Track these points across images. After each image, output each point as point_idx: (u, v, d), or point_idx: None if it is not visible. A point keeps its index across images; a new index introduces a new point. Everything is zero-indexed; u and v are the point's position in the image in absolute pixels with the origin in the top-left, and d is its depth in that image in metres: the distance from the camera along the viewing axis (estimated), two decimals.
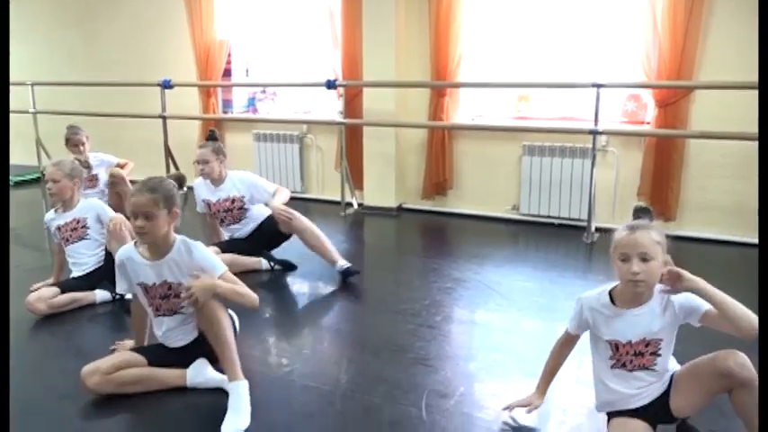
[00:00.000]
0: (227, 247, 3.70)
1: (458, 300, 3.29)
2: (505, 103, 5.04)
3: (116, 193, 4.61)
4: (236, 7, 5.87)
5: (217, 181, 3.74)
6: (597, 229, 4.32)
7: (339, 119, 5.16)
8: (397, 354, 2.61)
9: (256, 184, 3.75)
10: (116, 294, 3.11)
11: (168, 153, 5.89)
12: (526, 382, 2.21)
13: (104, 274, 3.18)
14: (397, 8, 4.93)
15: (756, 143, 3.65)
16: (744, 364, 1.68)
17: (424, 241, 4.84)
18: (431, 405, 2.19)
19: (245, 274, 3.62)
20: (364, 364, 2.57)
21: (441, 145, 5.00)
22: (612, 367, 1.87)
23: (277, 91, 6.09)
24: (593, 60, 4.61)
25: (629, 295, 1.82)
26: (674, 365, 1.89)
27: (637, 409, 1.85)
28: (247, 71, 6.29)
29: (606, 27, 4.56)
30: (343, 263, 3.57)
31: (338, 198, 5.22)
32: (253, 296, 2.29)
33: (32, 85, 6.55)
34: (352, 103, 5.23)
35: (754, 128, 3.61)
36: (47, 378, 2.49)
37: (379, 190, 5.24)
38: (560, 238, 4.41)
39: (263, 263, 3.74)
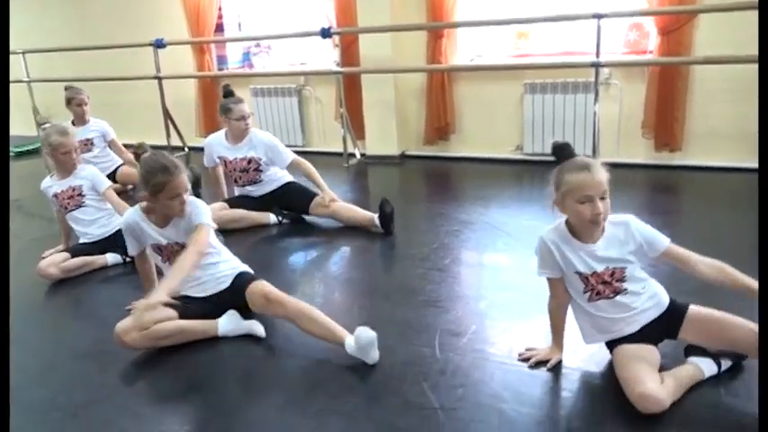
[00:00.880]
0: (237, 202, 3.71)
1: (465, 242, 3.31)
2: (504, 41, 4.93)
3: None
4: None
5: (238, 138, 3.65)
6: (603, 164, 4.29)
7: (336, 68, 5.07)
8: (408, 297, 2.64)
9: (276, 148, 3.68)
10: (126, 257, 3.14)
11: (166, 114, 5.85)
12: (536, 318, 2.24)
13: (114, 242, 3.18)
14: None
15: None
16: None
17: (429, 187, 4.83)
18: (444, 344, 2.23)
19: (253, 229, 3.67)
20: (376, 308, 2.61)
21: (440, 89, 4.93)
22: (590, 300, 1.91)
23: (272, 44, 5.97)
24: None
25: (586, 232, 1.86)
26: (658, 288, 1.94)
27: (633, 334, 1.88)
28: (240, 25, 6.17)
29: None
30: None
31: (340, 150, 5.19)
32: (195, 262, 2.27)
33: (24, 53, 6.45)
34: (349, 52, 5.13)
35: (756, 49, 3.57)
36: (64, 339, 2.55)
37: (381, 138, 5.21)
38: None
39: (272, 217, 3.75)
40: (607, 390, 1.90)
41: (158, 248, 2.43)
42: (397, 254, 3.18)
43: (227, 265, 2.47)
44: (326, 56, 5.42)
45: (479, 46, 5.02)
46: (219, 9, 5.87)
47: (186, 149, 6.05)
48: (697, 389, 1.83)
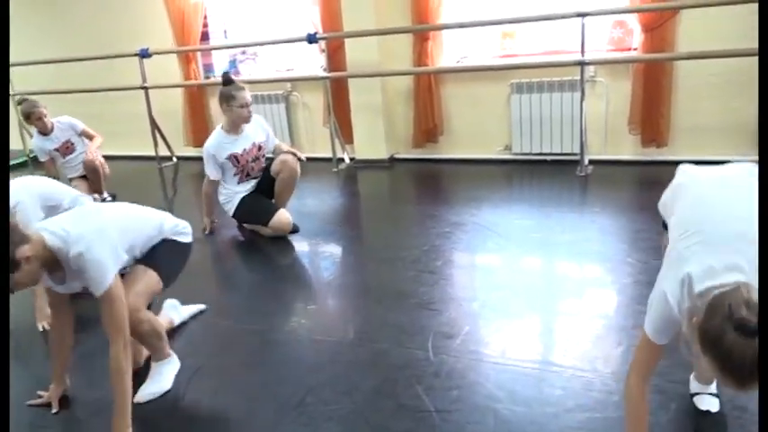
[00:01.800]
0: (243, 210, 3.67)
1: (457, 243, 3.30)
2: (490, 42, 4.95)
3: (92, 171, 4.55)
4: None
5: (238, 127, 3.59)
6: (590, 162, 4.32)
7: (323, 73, 5.07)
8: (401, 300, 2.64)
9: (269, 129, 3.81)
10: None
11: (153, 124, 5.82)
12: (528, 317, 2.25)
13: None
14: None
15: (744, 59, 3.63)
16: None
17: (418, 189, 4.83)
18: (437, 346, 2.22)
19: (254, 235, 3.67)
20: (369, 312, 2.60)
21: (428, 91, 4.93)
22: None
23: (258, 51, 5.96)
24: None
25: None
26: None
27: None
28: (225, 33, 6.15)
29: None
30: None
31: (329, 155, 5.19)
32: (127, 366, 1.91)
33: (11, 66, 6.38)
34: (335, 57, 5.13)
35: (740, 44, 3.61)
36: None
37: (370, 142, 5.20)
38: (554, 174, 4.40)
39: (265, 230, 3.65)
40: (599, 387, 1.91)
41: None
42: (388, 257, 3.18)
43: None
44: (313, 61, 5.42)
45: (465, 47, 5.03)
46: (205, 17, 5.86)
47: (174, 159, 6.02)
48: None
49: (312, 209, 4.10)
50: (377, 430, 1.82)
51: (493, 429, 1.77)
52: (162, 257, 2.15)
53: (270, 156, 3.77)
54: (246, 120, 3.56)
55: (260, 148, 3.66)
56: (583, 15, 3.96)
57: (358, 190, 4.83)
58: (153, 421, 1.99)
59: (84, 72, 6.25)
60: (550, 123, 4.56)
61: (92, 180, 4.54)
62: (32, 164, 6.54)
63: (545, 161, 4.67)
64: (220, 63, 6.07)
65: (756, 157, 1.48)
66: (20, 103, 4.55)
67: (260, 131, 3.69)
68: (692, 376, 1.82)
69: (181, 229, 2.26)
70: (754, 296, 1.12)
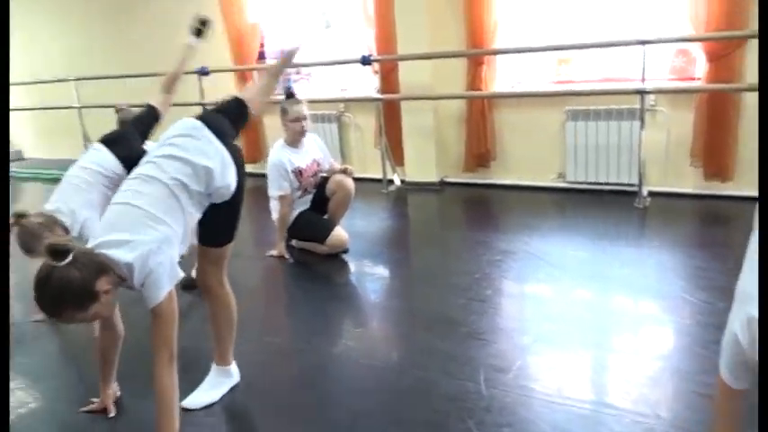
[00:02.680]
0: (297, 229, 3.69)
1: (507, 272, 3.24)
2: (546, 67, 4.89)
3: None
4: None
5: (296, 141, 3.59)
6: (650, 194, 4.18)
7: (376, 95, 5.10)
8: (450, 328, 2.59)
9: (323, 145, 3.83)
10: None
11: None
12: (582, 353, 2.16)
13: None
14: None
15: None
16: None
17: (469, 214, 4.77)
18: (489, 379, 2.16)
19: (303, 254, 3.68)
20: (417, 339, 2.56)
21: (481, 115, 4.90)
22: None
23: (312, 71, 6.06)
24: (636, 15, 4.41)
25: None
26: None
27: None
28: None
29: None
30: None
31: (379, 176, 5.19)
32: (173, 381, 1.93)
33: (75, 80, 6.69)
34: (388, 78, 5.16)
35: None
36: None
37: (420, 165, 5.19)
38: (610, 205, 4.28)
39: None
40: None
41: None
42: (437, 282, 3.13)
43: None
44: (366, 83, 5.47)
45: (520, 72, 4.98)
46: (262, 37, 6.00)
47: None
48: None
49: (361, 229, 4.10)
50: None
51: None
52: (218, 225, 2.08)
53: (323, 174, 3.78)
54: (300, 134, 3.58)
55: (318, 164, 3.69)
56: (644, 43, 3.87)
57: (407, 212, 4.81)
58: None
59: (142, 88, 6.45)
60: (607, 152, 4.45)
61: None
62: None
63: (601, 191, 4.55)
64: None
65: None
66: (118, 111, 4.66)
67: (317, 149, 3.73)
68: None
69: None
70: None
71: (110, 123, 4.89)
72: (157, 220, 1.79)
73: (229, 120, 2.17)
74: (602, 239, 3.60)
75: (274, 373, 2.37)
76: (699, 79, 4.16)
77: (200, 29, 3.22)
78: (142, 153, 2.40)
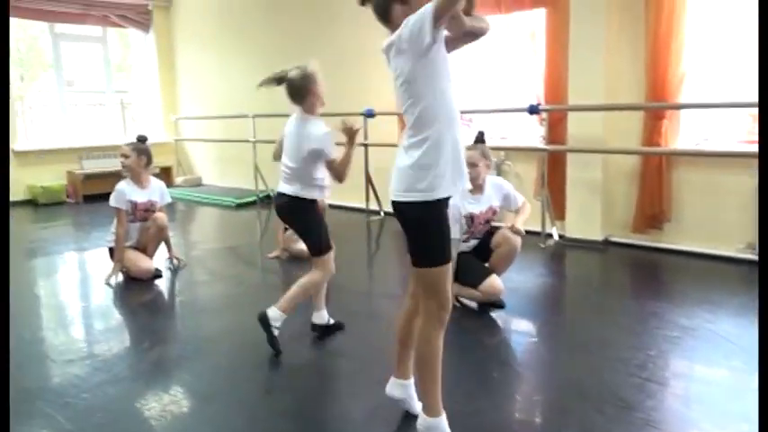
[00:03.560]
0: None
1: (689, 352, 2.85)
2: (736, 124, 4.40)
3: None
4: None
5: (473, 186, 3.37)
6: None
7: (542, 145, 4.91)
8: (625, 412, 2.29)
9: (510, 195, 3.56)
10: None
11: (368, 179, 6.11)
12: None
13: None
14: (608, 25, 4.60)
15: None
16: None
17: (637, 280, 4.36)
18: None
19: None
20: (588, 419, 2.29)
21: (657, 172, 4.51)
22: None
23: (473, 117, 6.02)
24: None
25: None
26: None
27: None
28: None
29: None
30: None
31: (538, 229, 4.95)
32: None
33: (254, 117, 7.25)
34: (556, 128, 4.96)
35: None
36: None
37: (583, 221, 4.88)
38: None
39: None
40: None
41: None
42: (607, 355, 2.83)
43: None
44: (529, 131, 5.30)
45: (706, 128, 4.54)
46: None
47: (382, 214, 6.24)
48: None
49: (516, 284, 3.89)
50: None
51: None
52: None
53: (495, 225, 3.63)
54: (474, 179, 3.33)
55: (494, 212, 3.54)
56: None
57: (567, 271, 4.51)
58: None
59: None
60: None
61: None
62: (259, 203, 7.26)
63: None
64: None
65: None
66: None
67: (497, 196, 3.54)
68: None
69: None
70: None
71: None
72: None
73: None
74: None
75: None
76: None
77: None
78: None
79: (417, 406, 2.19)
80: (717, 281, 3.90)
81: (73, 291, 4.25)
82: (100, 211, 7.06)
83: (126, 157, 4.26)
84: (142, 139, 4.34)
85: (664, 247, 4.60)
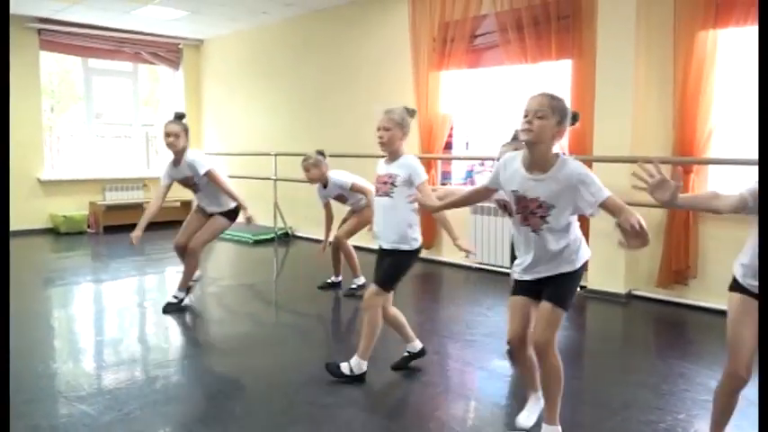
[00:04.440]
0: None
1: None
2: None
3: None
4: (461, 83, 5.99)
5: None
6: None
7: None
8: None
9: None
10: None
11: None
12: None
13: None
14: (636, 77, 4.60)
15: None
16: None
17: (662, 337, 4.23)
18: None
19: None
20: None
21: (683, 226, 4.43)
22: None
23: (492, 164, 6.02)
24: None
25: None
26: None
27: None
28: (467, 144, 6.34)
29: None
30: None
31: None
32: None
33: (276, 155, 7.32)
34: None
35: None
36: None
37: (606, 273, 4.78)
38: None
39: None
40: None
41: (518, 199, 2.31)
42: (633, 416, 2.72)
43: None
44: None
45: (733, 184, 4.47)
46: (451, 128, 6.11)
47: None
48: None
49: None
50: None
51: None
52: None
53: None
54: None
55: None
56: None
57: (587, 323, 4.40)
58: None
59: (337, 166, 6.87)
60: None
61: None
62: (277, 240, 7.26)
63: None
64: (459, 172, 6.23)
65: None
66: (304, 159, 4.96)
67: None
68: None
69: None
70: None
71: (297, 196, 5.24)
72: None
73: None
74: None
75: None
76: None
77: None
78: None
79: None
80: None
81: (87, 322, 4.23)
82: (119, 243, 7.10)
83: (177, 136, 4.34)
84: (181, 116, 4.37)
85: (689, 303, 4.47)
